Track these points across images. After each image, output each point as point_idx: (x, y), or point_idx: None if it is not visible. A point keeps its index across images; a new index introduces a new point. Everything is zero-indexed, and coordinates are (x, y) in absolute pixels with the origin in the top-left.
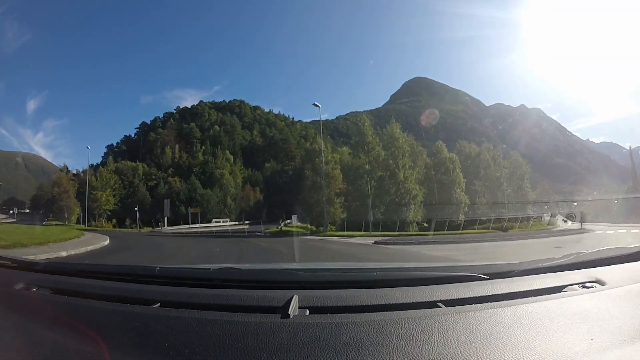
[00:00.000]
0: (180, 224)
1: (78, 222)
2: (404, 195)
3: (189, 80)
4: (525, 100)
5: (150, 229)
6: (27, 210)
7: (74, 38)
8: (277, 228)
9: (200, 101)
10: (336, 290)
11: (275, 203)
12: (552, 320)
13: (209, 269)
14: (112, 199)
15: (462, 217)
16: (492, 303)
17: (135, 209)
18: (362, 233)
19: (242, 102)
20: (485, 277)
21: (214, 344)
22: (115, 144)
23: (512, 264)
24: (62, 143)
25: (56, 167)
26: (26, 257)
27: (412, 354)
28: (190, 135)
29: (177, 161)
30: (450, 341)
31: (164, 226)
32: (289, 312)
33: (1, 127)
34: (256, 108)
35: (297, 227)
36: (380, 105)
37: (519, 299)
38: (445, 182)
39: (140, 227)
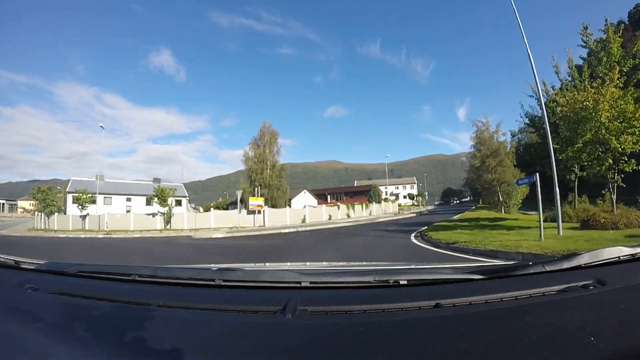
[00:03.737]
0: None
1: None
2: None
3: None
4: None
5: None
6: (467, 199)
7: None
8: None
9: None
10: (336, 290)
11: None
12: (552, 320)
13: (209, 269)
14: None
15: None
16: (492, 303)
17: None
18: None
19: None
20: (486, 277)
21: (214, 344)
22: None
23: (512, 264)
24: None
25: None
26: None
27: (412, 354)
28: None
29: None
30: (450, 342)
31: None
32: (289, 313)
33: (444, 137)
34: None
35: None
36: None
37: (519, 300)
38: None
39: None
